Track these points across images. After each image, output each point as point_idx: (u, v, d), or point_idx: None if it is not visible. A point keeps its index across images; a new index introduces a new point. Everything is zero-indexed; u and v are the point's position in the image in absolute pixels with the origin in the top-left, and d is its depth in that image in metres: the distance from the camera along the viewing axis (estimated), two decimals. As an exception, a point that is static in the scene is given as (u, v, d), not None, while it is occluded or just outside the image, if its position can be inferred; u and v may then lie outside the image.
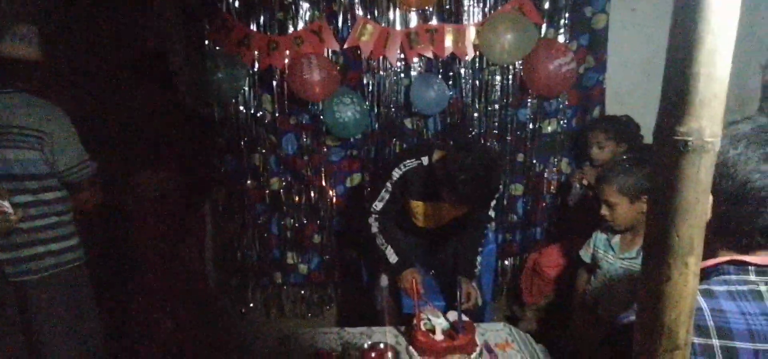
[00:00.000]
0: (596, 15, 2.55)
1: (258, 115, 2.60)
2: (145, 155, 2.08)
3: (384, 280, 2.02)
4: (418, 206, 2.00)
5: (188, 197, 2.16)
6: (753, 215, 0.70)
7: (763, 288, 0.71)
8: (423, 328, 1.73)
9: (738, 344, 0.69)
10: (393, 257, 1.99)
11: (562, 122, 2.66)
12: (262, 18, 2.51)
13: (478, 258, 2.07)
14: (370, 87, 2.60)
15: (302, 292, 2.87)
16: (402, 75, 2.60)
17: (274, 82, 2.57)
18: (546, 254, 2.48)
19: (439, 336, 1.70)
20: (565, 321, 2.05)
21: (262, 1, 2.48)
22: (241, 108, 2.59)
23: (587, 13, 2.54)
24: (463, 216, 2.00)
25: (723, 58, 0.53)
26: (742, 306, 0.71)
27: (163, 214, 2.12)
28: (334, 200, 2.76)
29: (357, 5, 2.51)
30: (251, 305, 2.86)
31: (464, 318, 1.77)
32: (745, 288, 0.72)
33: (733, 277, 0.74)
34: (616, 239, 1.69)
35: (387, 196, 1.98)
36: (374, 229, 2.01)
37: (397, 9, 2.50)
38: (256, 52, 2.52)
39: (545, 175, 2.75)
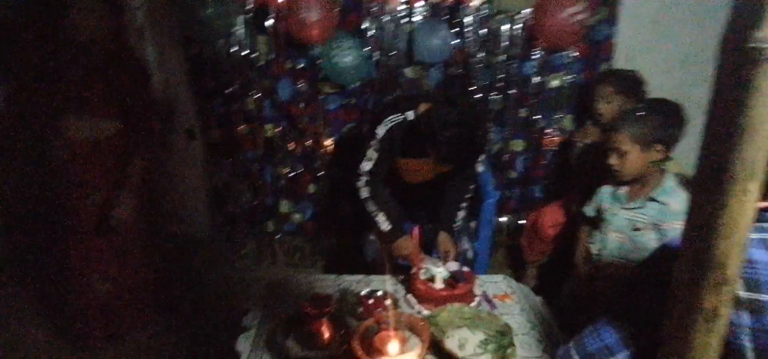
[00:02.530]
0: (611, -37, 2.43)
1: (252, 57, 2.48)
2: (78, 94, 1.84)
3: (373, 234, 1.98)
4: (405, 163, 1.92)
5: (127, 147, 1.94)
6: None
7: None
8: (422, 277, 1.70)
9: (766, 297, 0.64)
10: (385, 225, 1.90)
11: (568, 77, 2.58)
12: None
13: (460, 213, 2.00)
14: (371, 32, 2.48)
15: (295, 242, 2.82)
16: (405, 20, 2.47)
17: (270, 22, 2.43)
18: (545, 214, 2.45)
19: (438, 285, 1.67)
20: (565, 277, 2.03)
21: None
22: (234, 49, 2.46)
23: (602, -42, 2.42)
24: (452, 172, 1.94)
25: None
26: None
27: (97, 164, 1.91)
28: (331, 149, 2.68)
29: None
30: (244, 252, 2.81)
31: (464, 268, 1.75)
32: (754, 233, 0.66)
33: None
34: (623, 190, 1.65)
35: (375, 155, 1.88)
36: (364, 194, 1.91)
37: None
38: (250, -12, 2.38)
39: (547, 132, 2.69)
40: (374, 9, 2.44)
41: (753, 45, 0.48)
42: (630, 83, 2.31)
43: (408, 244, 1.85)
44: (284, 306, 1.59)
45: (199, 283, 2.39)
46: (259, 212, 2.74)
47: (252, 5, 2.40)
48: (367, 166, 1.89)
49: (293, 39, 2.42)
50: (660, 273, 0.74)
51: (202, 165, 2.62)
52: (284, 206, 2.74)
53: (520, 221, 2.81)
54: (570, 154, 2.56)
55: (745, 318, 0.62)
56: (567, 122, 2.69)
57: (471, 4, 2.42)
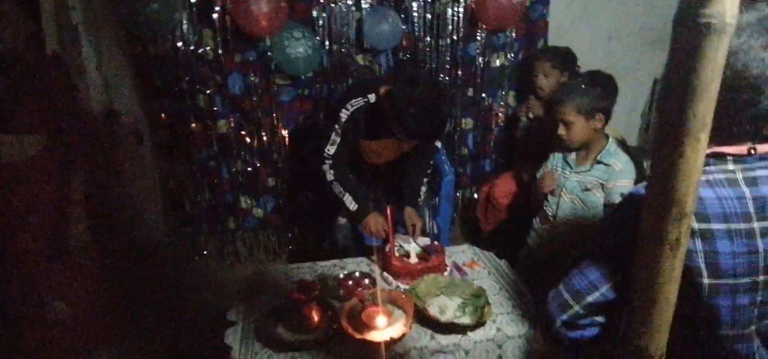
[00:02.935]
0: (541, -53, 2.61)
1: (199, 52, 2.41)
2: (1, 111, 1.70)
3: (341, 219, 2.04)
4: (369, 145, 1.99)
5: (62, 160, 1.79)
6: (747, 104, 0.74)
7: (739, 175, 0.78)
8: (397, 254, 1.78)
9: (714, 226, 0.76)
10: (352, 205, 1.96)
11: (509, 55, 2.75)
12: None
13: (423, 188, 2.09)
14: (321, 21, 2.50)
15: (258, 236, 2.80)
16: (353, 8, 2.51)
17: (215, 16, 2.37)
18: (498, 185, 2.62)
19: (413, 260, 1.76)
20: (519, 241, 2.20)
21: None
22: (180, 44, 2.38)
23: (534, -58, 2.60)
24: (414, 149, 2.03)
25: (745, -60, 0.58)
26: (719, 191, 0.77)
27: (31, 183, 1.77)
28: (287, 141, 2.68)
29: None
30: (205, 252, 2.75)
31: (435, 242, 1.86)
32: (722, 176, 0.78)
33: (712, 168, 0.80)
34: (572, 156, 1.83)
35: (338, 139, 1.92)
36: (330, 177, 1.96)
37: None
38: (191, -20, 2.31)
39: (494, 108, 2.86)
40: (323, -2, 2.45)
41: (703, 20, 0.60)
42: (564, 58, 2.52)
43: (377, 220, 1.92)
44: (267, 297, 1.61)
45: (167, 288, 2.32)
46: (219, 210, 2.69)
47: (196, -1, 2.33)
48: (331, 150, 1.93)
49: (241, 31, 2.39)
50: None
51: (153, 167, 2.52)
52: (244, 201, 2.71)
53: (475, 195, 2.98)
54: (516, 128, 2.75)
55: (699, 244, 0.75)
56: (511, 98, 2.87)
57: (416, -11, 2.51)
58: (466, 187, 3.02)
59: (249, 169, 2.66)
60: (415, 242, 1.87)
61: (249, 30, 2.34)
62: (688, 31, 0.62)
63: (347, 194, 1.97)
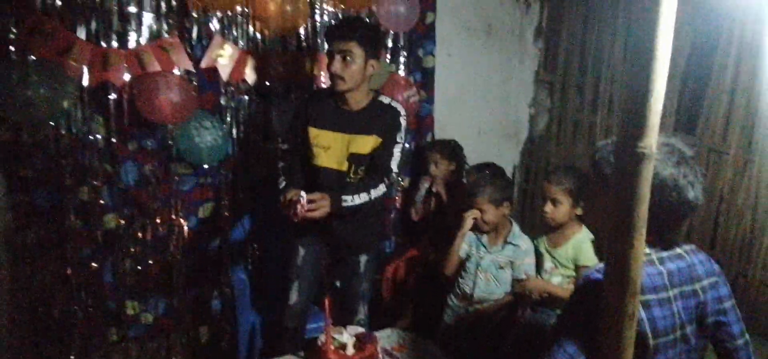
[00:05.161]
0: (426, 56, 3.03)
1: (90, 138, 2.16)
2: None
3: (293, 297, 2.04)
4: (317, 135, 1.99)
5: None
6: (656, 205, 0.95)
7: (654, 256, 1.06)
8: (333, 347, 1.76)
9: (649, 296, 1.01)
10: (282, 184, 2.01)
11: (405, 145, 3.03)
12: (93, 24, 2.12)
13: (357, 199, 1.91)
14: (229, 111, 2.47)
15: (151, 344, 2.45)
16: (262, 97, 2.56)
17: (110, 101, 2.19)
18: (402, 266, 2.78)
19: (350, 351, 1.76)
20: (432, 320, 2.34)
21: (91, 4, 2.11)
22: (63, 131, 2.12)
23: (420, 54, 3.00)
24: (366, 165, 2.01)
25: (662, 95, 0.84)
26: (647, 270, 1.03)
27: None
28: (186, 234, 2.48)
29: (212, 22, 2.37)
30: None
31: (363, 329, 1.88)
32: (644, 258, 1.03)
33: None
34: (485, 237, 2.09)
35: (290, 137, 2.08)
36: (280, 165, 2.07)
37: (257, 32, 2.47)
38: (84, 66, 2.11)
39: (391, 192, 3.07)
40: (231, 88, 2.45)
41: (639, 150, 0.83)
42: (452, 150, 2.90)
43: (296, 192, 1.82)
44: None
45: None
46: (98, 319, 2.31)
47: (87, 83, 2.12)
48: (283, 146, 2.12)
49: (139, 119, 2.23)
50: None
51: (10, 272, 2.09)
52: (131, 307, 2.38)
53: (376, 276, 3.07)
54: (413, 208, 2.98)
55: (643, 313, 0.98)
56: (406, 182, 3.14)
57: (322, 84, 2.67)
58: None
59: (139, 268, 2.37)
60: (346, 332, 1.87)
61: (152, 118, 2.20)
62: (628, 157, 0.85)
63: (282, 178, 2.02)
